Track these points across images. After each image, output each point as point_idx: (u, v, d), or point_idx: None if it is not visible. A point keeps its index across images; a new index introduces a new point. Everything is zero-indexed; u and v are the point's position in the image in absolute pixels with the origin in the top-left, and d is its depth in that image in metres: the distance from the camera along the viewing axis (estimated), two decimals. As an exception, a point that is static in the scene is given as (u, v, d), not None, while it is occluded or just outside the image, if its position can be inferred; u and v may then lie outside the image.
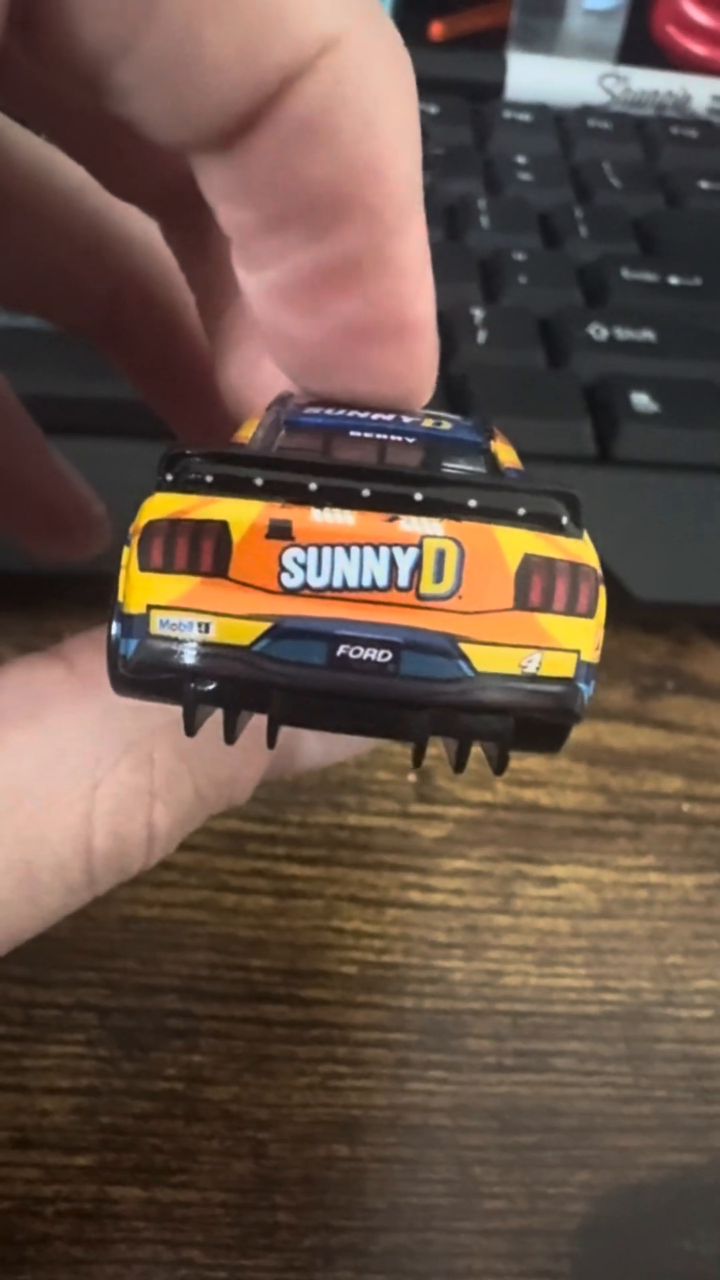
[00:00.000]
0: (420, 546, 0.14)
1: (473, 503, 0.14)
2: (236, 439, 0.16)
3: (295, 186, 0.14)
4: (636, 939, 0.28)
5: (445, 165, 0.43)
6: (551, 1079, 0.26)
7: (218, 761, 0.18)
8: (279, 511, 0.14)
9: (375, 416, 0.17)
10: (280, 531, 0.14)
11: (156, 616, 0.14)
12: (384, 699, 0.14)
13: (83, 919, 0.27)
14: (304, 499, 0.14)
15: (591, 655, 0.15)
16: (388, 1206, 0.24)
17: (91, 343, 0.24)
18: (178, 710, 0.15)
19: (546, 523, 0.14)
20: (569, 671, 0.14)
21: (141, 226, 0.22)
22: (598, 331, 0.37)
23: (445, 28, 0.54)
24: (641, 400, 0.34)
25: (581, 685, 0.14)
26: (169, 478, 0.14)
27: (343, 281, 0.15)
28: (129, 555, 0.14)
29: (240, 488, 0.14)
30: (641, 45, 0.52)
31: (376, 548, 0.14)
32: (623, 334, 0.37)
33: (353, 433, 0.16)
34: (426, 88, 0.48)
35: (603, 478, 0.33)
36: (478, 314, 0.37)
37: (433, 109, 0.46)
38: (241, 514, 0.14)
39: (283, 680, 0.14)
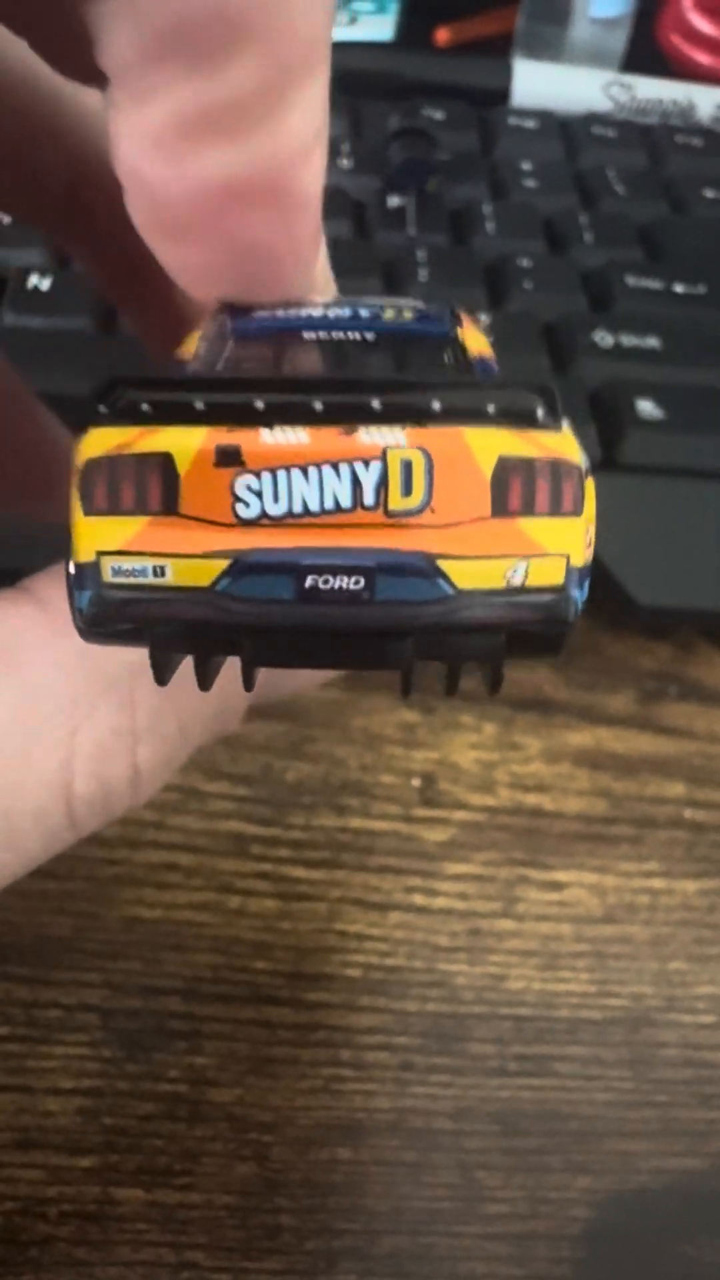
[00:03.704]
0: (384, 459, 0.13)
1: (437, 405, 0.13)
2: (178, 355, 0.15)
3: (188, 7, 0.13)
4: (639, 944, 0.28)
5: (451, 170, 0.43)
6: (554, 1083, 0.26)
7: (202, 695, 0.16)
8: (225, 436, 0.13)
9: (331, 313, 0.16)
10: (228, 458, 0.13)
11: (107, 564, 0.13)
12: (361, 629, 0.13)
13: (86, 920, 0.27)
14: (252, 420, 0.13)
15: (582, 557, 0.13)
16: (390, 1209, 0.24)
17: (50, 232, 0.23)
18: None
19: (520, 418, 0.13)
20: (558, 579, 0.13)
21: (98, 110, 0.21)
22: (602, 338, 0.37)
23: (451, 34, 0.54)
24: (646, 406, 0.34)
25: (573, 591, 0.13)
26: (103, 409, 0.13)
27: (223, 128, 0.14)
28: (72, 502, 0.13)
29: (182, 414, 0.13)
30: (647, 54, 0.53)
31: (336, 465, 0.13)
32: (628, 340, 0.37)
33: (306, 334, 0.15)
34: (432, 93, 0.49)
35: (607, 483, 0.33)
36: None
37: (438, 114, 0.47)
38: (185, 443, 0.13)
39: (250, 620, 0.13)
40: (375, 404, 0.13)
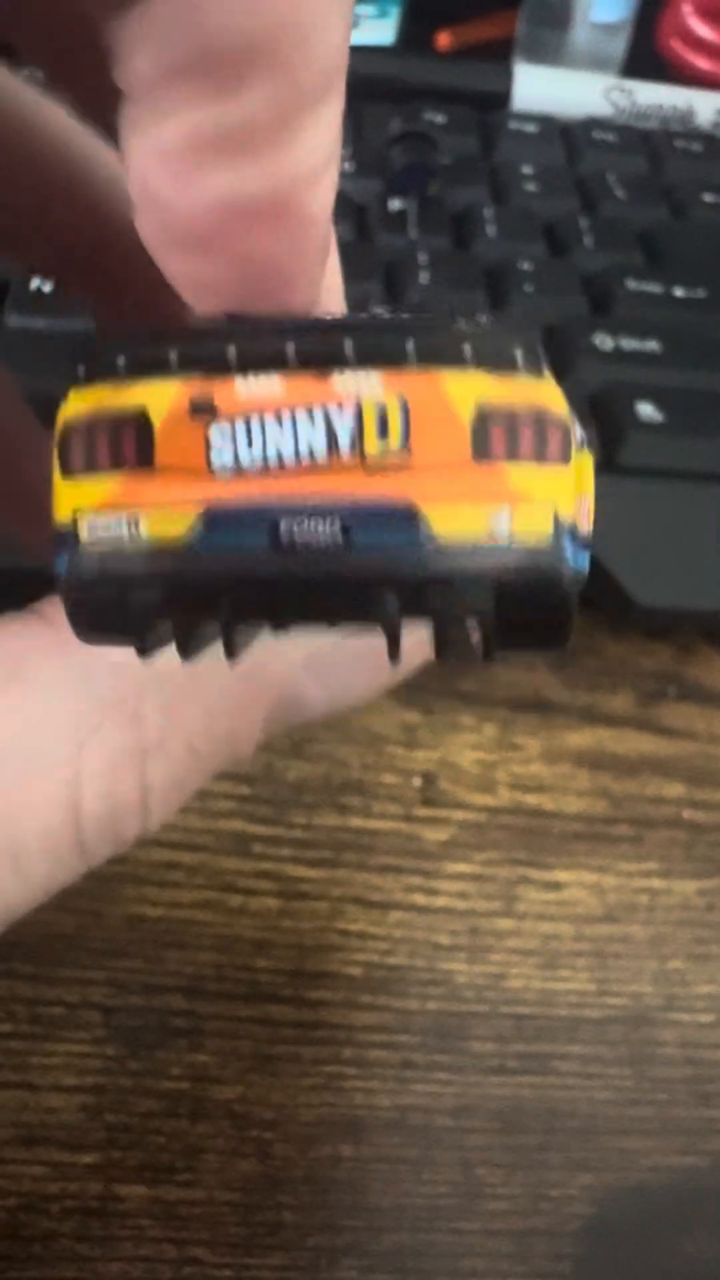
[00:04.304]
0: (358, 404, 0.12)
1: (411, 347, 0.13)
2: None
3: (205, 30, 0.13)
4: (638, 943, 0.28)
5: (452, 174, 0.44)
6: (554, 1081, 0.26)
7: (212, 714, 0.16)
8: (199, 387, 0.13)
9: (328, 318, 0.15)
10: (202, 408, 0.13)
11: (84, 522, 0.13)
12: (340, 579, 0.13)
13: (89, 918, 0.27)
14: (226, 369, 0.13)
15: (570, 510, 0.13)
16: (392, 1206, 0.24)
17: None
18: (164, 663, 0.14)
19: (500, 363, 0.13)
20: (546, 528, 0.13)
21: (99, 150, 0.21)
22: (603, 341, 0.37)
23: (452, 38, 0.54)
24: (646, 410, 0.35)
25: (564, 542, 0.13)
26: (81, 370, 0.13)
27: (237, 148, 0.14)
28: (51, 466, 0.13)
29: (157, 367, 0.13)
30: (647, 59, 0.53)
31: (310, 412, 0.12)
32: (628, 343, 0.37)
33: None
34: (433, 97, 0.49)
35: (607, 486, 0.33)
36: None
37: (439, 118, 0.47)
38: (160, 395, 0.13)
39: (224, 573, 0.13)
40: (348, 348, 0.13)
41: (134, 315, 0.22)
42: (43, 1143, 0.24)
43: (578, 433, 0.13)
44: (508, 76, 0.50)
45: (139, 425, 0.13)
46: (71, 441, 0.13)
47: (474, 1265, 0.23)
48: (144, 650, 0.14)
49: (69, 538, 0.13)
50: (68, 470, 0.13)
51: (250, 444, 0.12)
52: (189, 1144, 0.24)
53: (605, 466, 0.34)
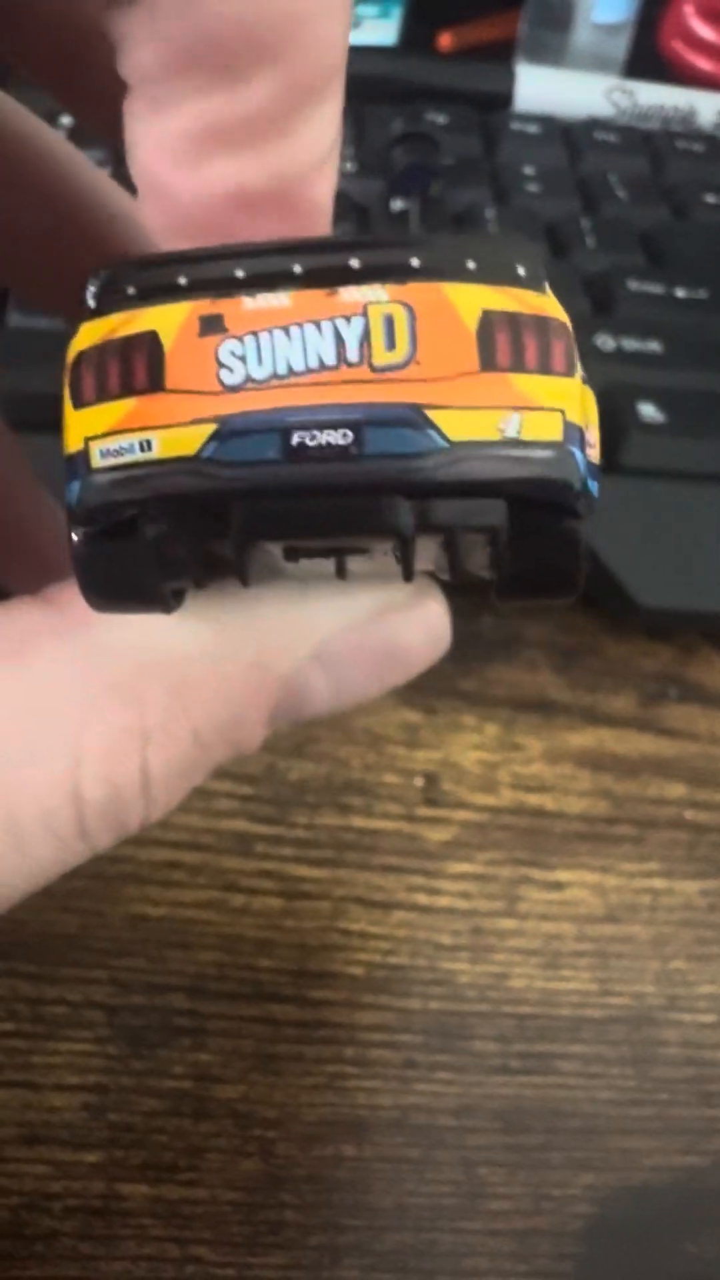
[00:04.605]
0: (365, 314, 0.13)
1: (415, 261, 0.13)
2: None
3: (208, 22, 0.13)
4: (640, 944, 0.28)
5: (454, 174, 0.44)
6: (556, 1081, 0.26)
7: (216, 700, 0.16)
8: (209, 307, 0.13)
9: None
10: (212, 327, 0.13)
11: (95, 448, 0.13)
12: (352, 485, 0.13)
13: (91, 917, 0.27)
14: (234, 289, 0.13)
15: (578, 418, 0.13)
16: (394, 1206, 0.24)
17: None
18: (170, 647, 0.14)
19: (502, 275, 0.13)
20: (556, 434, 0.13)
21: (129, 204, 0.21)
22: (604, 341, 0.37)
23: (454, 38, 0.54)
24: (648, 410, 0.35)
25: (574, 450, 0.13)
26: (92, 302, 0.13)
27: (241, 139, 0.14)
28: (64, 401, 0.13)
29: (166, 292, 0.13)
30: (648, 60, 0.53)
31: (318, 324, 0.13)
32: (629, 344, 0.37)
33: None
34: (435, 98, 0.49)
35: (610, 486, 0.34)
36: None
37: (441, 118, 0.47)
38: (169, 318, 0.13)
39: (238, 484, 0.13)
40: (354, 262, 0.13)
41: None
42: (45, 1141, 0.24)
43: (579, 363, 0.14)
44: (509, 77, 0.50)
45: (149, 348, 0.13)
46: (83, 372, 0.13)
47: (476, 1265, 0.23)
48: (152, 601, 0.14)
49: (79, 465, 0.13)
50: (79, 400, 0.13)
51: (260, 358, 0.13)
52: (191, 1143, 0.24)
53: (607, 467, 0.34)
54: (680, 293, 0.39)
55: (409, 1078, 0.26)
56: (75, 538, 0.14)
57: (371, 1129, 0.25)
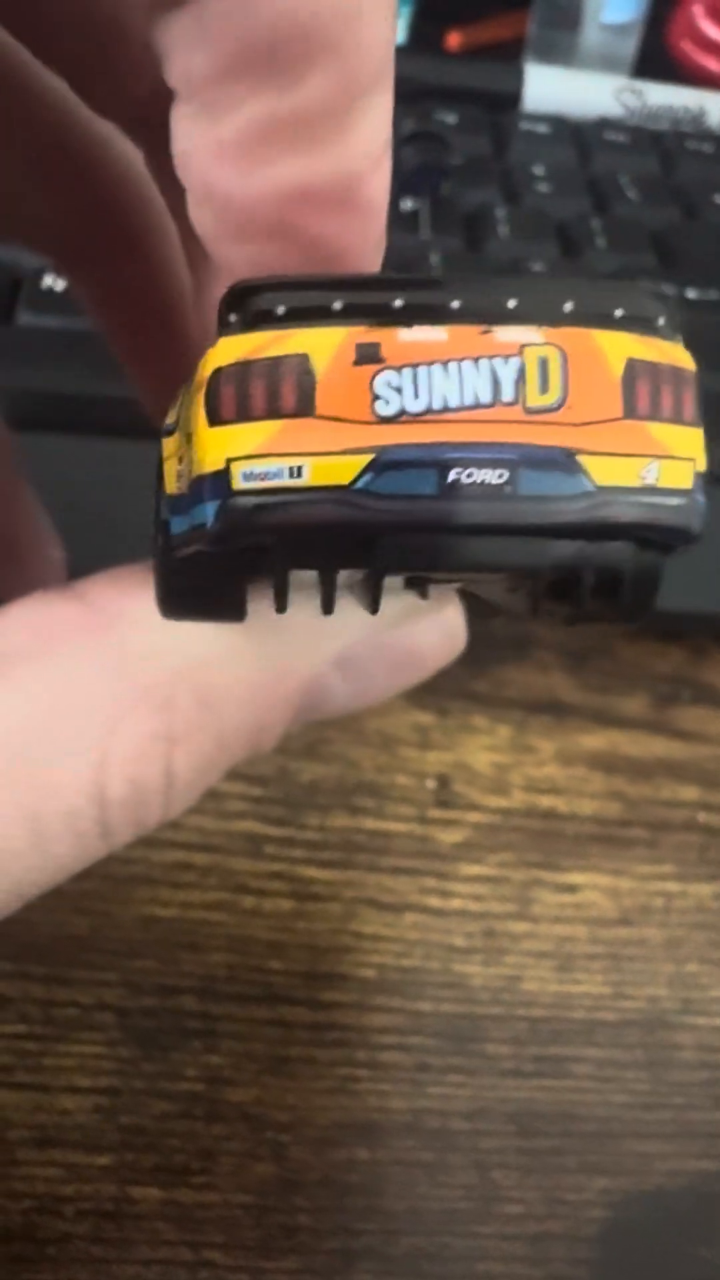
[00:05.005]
0: (521, 356, 0.13)
1: (569, 306, 0.13)
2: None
3: (261, 23, 0.13)
4: (654, 946, 0.28)
5: (464, 174, 0.44)
6: (569, 1085, 0.26)
7: (241, 706, 0.16)
8: (364, 335, 0.13)
9: None
10: (369, 356, 0.13)
11: (238, 469, 0.13)
12: (506, 525, 0.13)
13: (102, 919, 0.27)
14: (390, 319, 0.13)
15: (704, 465, 0.13)
16: (407, 1210, 0.24)
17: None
18: (198, 652, 0.14)
19: (644, 324, 0.13)
20: (687, 482, 0.13)
21: (124, 150, 0.20)
22: (616, 342, 0.37)
23: (463, 38, 0.54)
24: (660, 411, 0.35)
25: (699, 498, 0.13)
26: (234, 317, 0.13)
27: (295, 139, 0.14)
28: (196, 416, 0.13)
29: (318, 315, 0.13)
30: (657, 60, 0.53)
31: (475, 361, 0.13)
32: (641, 345, 0.37)
33: None
34: (444, 97, 0.49)
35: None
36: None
37: (451, 118, 0.47)
38: (323, 343, 0.13)
39: (393, 518, 0.13)
40: (510, 303, 0.13)
41: (123, 303, 0.22)
42: (57, 1144, 0.24)
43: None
44: (519, 77, 0.50)
45: (299, 371, 0.13)
46: (221, 389, 0.13)
47: (490, 1269, 0.23)
48: (283, 606, 0.14)
49: (218, 485, 0.13)
50: (216, 418, 0.13)
51: (417, 392, 0.13)
52: (203, 1146, 0.24)
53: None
54: (691, 293, 0.39)
55: (421, 1080, 0.26)
56: (180, 551, 0.14)
57: (384, 1132, 0.25)
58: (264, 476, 0.13)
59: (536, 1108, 0.25)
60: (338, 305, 0.13)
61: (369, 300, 0.13)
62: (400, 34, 0.52)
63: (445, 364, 0.13)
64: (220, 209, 0.15)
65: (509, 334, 0.13)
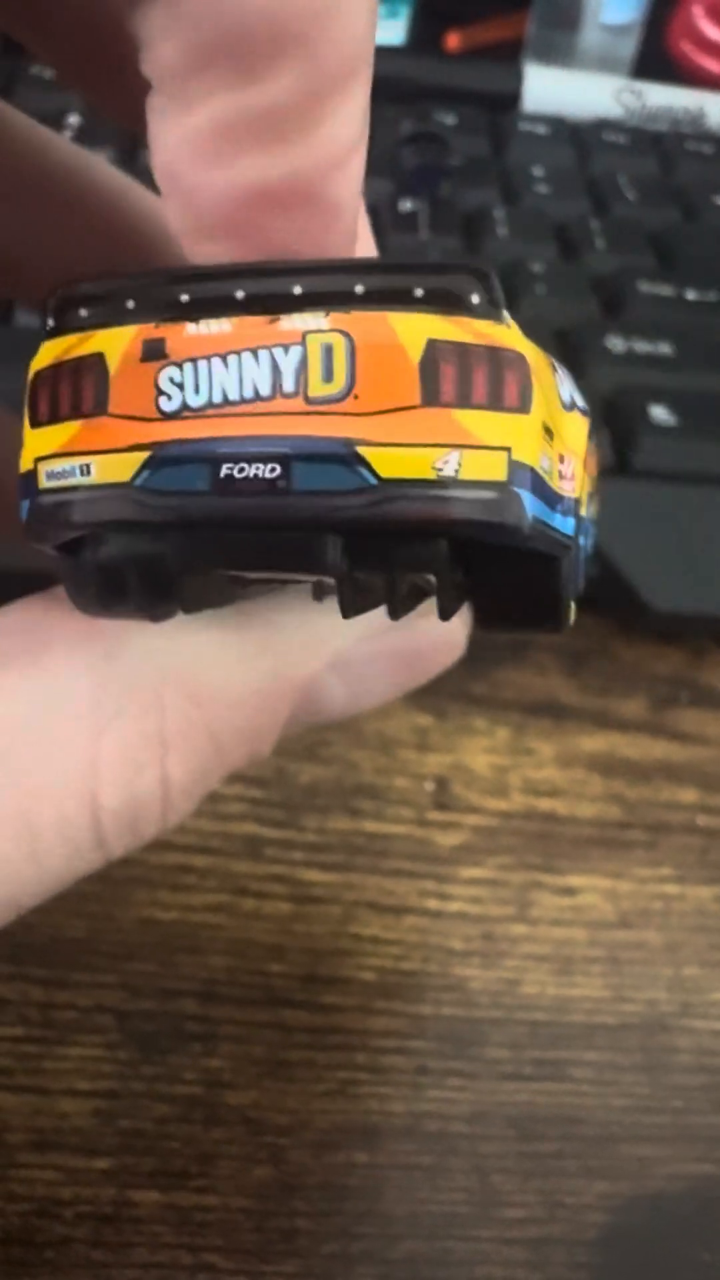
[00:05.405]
0: (303, 344, 0.12)
1: (360, 288, 0.12)
2: None
3: (231, 16, 0.13)
4: (653, 950, 0.28)
5: (463, 175, 0.44)
6: (569, 1088, 0.26)
7: (235, 708, 0.16)
8: (151, 332, 0.13)
9: None
10: (154, 352, 0.12)
11: (43, 469, 0.13)
12: (280, 521, 0.12)
13: (101, 921, 0.27)
14: (178, 314, 0.13)
15: (530, 459, 0.12)
16: (406, 1214, 0.24)
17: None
18: (189, 654, 0.14)
19: (452, 303, 0.12)
20: (499, 474, 0.12)
21: (106, 173, 0.20)
22: (615, 343, 0.37)
23: (462, 39, 0.54)
24: (659, 412, 0.35)
25: (521, 493, 0.12)
26: (51, 322, 0.13)
27: (264, 135, 0.13)
28: (24, 414, 0.13)
29: (115, 315, 0.13)
30: (657, 60, 0.53)
31: (255, 352, 0.12)
32: (640, 346, 0.37)
33: None
34: (444, 98, 0.49)
35: (620, 489, 0.33)
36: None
37: (450, 119, 0.47)
38: (115, 342, 0.13)
39: (168, 514, 0.12)
40: (296, 289, 0.12)
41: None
42: (56, 1147, 0.24)
43: (565, 391, 0.13)
44: (518, 77, 0.50)
45: (96, 371, 0.13)
46: (38, 393, 0.13)
47: (490, 1273, 0.23)
48: (131, 613, 0.14)
49: (30, 484, 0.13)
50: (35, 420, 0.13)
51: (197, 386, 0.12)
52: (203, 1150, 0.24)
53: (618, 469, 0.34)
54: (691, 294, 0.39)
55: (421, 1084, 0.26)
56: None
57: (384, 1136, 0.25)
58: (61, 475, 0.13)
59: (536, 1111, 0.25)
60: (130, 304, 0.13)
61: (159, 297, 0.13)
62: (400, 34, 0.52)
63: (225, 357, 0.12)
64: (186, 205, 0.14)
65: (293, 322, 0.12)
